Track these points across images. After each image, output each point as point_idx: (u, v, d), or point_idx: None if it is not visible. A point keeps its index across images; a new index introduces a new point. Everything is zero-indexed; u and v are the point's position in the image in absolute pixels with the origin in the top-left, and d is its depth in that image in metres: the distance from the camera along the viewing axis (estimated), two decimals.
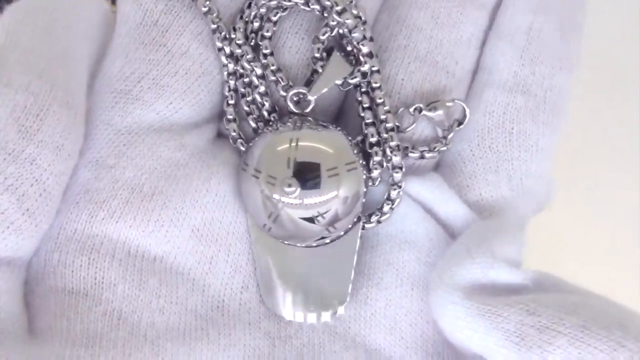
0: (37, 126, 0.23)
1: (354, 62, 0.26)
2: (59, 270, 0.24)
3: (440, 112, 0.26)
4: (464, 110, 0.27)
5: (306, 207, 0.25)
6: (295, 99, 0.26)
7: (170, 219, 0.25)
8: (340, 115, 0.28)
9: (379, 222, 0.27)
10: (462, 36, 0.27)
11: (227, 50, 0.26)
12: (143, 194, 0.25)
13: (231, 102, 0.27)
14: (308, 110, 0.26)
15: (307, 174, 0.25)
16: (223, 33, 0.26)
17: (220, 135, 0.28)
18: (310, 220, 0.25)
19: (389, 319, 0.27)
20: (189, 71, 0.26)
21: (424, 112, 0.26)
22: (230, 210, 0.26)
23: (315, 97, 0.26)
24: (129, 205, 0.25)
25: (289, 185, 0.24)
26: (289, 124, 0.26)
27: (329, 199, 0.25)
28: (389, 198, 0.26)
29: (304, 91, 0.26)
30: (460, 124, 0.27)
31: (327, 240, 0.26)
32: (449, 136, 0.27)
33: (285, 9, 0.27)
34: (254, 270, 0.26)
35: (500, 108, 0.27)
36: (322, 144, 0.25)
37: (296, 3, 0.26)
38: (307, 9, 0.26)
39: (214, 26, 0.26)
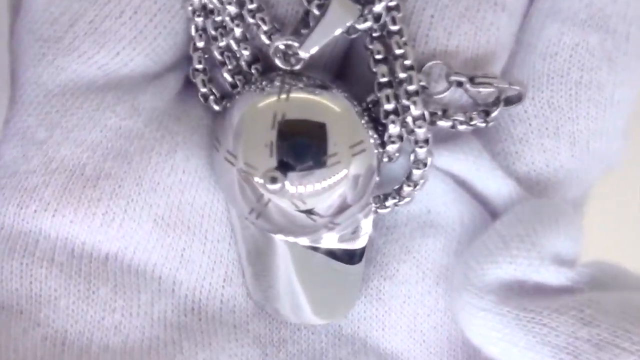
0: None
1: None
2: None
3: (487, 90, 0.19)
4: (521, 94, 0.20)
5: (299, 200, 0.19)
6: (281, 50, 0.19)
7: (123, 209, 0.20)
8: (345, 65, 0.21)
9: (396, 205, 0.21)
10: None
11: None
12: (85, 178, 0.20)
13: (199, 44, 0.20)
14: (299, 67, 0.19)
15: (298, 163, 0.18)
16: None
17: (189, 85, 0.22)
18: (306, 214, 0.19)
19: (407, 319, 0.22)
20: (139, 9, 0.19)
21: (466, 86, 0.19)
22: (205, 188, 0.21)
23: (309, 54, 0.19)
24: (67, 193, 0.19)
25: (273, 180, 0.18)
26: (276, 83, 0.19)
27: (329, 189, 0.19)
28: (410, 178, 0.20)
29: (295, 44, 0.19)
30: (509, 103, 0.20)
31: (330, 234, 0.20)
32: (493, 114, 0.20)
33: None
34: (237, 258, 0.21)
35: (567, 50, 0.21)
36: (318, 119, 0.18)
37: None
38: None
39: None
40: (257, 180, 0.19)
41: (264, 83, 0.19)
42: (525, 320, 0.18)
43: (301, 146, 0.18)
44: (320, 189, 0.19)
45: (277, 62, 0.19)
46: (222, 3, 0.19)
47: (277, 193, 0.18)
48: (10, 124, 0.20)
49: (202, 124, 0.21)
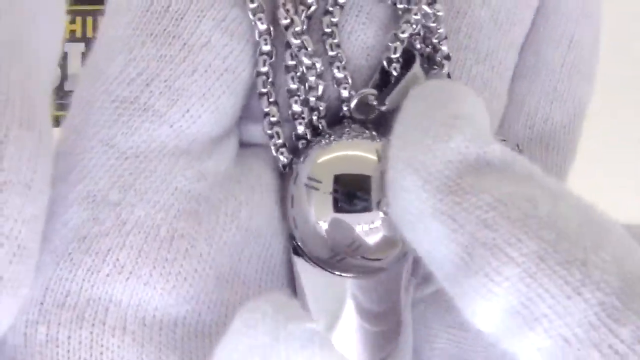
0: None
1: (426, 64, 0.22)
2: (49, 350, 0.18)
3: None
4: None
5: (392, 230, 0.20)
6: (362, 102, 0.22)
7: (194, 268, 0.20)
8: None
9: None
10: (513, 40, 0.24)
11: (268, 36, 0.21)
12: (160, 239, 0.19)
13: (272, 99, 0.22)
14: (372, 117, 0.22)
15: None
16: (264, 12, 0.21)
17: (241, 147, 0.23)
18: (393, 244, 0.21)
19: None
20: (209, 68, 0.20)
21: None
22: (261, 244, 0.21)
23: (386, 106, 0.21)
24: (143, 254, 0.19)
25: (386, 204, 0.20)
26: (347, 131, 0.21)
27: None
28: None
29: (374, 93, 0.21)
30: None
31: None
32: None
33: None
34: None
35: (539, 124, 0.25)
36: None
37: None
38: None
39: (254, 5, 0.21)
40: (361, 216, 0.20)
41: (336, 134, 0.21)
42: (439, 212, 0.18)
43: None
44: None
45: (356, 112, 0.21)
46: (310, 60, 0.21)
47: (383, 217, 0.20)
48: (78, 187, 0.19)
49: (261, 182, 0.22)
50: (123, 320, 0.19)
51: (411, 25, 0.21)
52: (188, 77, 0.20)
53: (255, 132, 0.22)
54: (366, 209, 0.20)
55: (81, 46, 0.51)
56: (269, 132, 0.22)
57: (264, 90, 0.21)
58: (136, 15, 0.20)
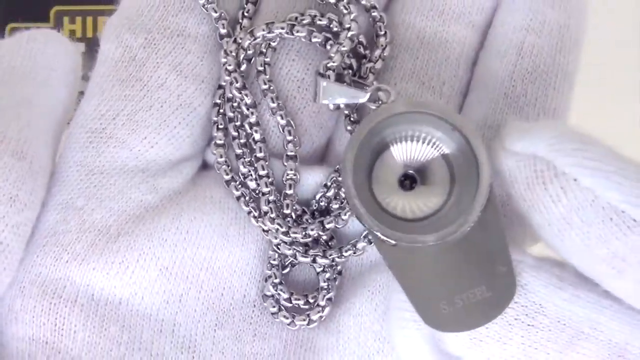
0: None
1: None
2: (21, 317, 0.24)
3: None
4: None
5: None
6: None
7: (136, 259, 0.24)
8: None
9: (351, 255, 0.26)
10: (449, 56, 0.27)
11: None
12: (109, 236, 0.24)
13: (221, 126, 0.26)
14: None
15: None
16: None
17: (206, 167, 0.27)
18: None
19: (362, 347, 0.26)
20: (164, 104, 0.25)
21: None
22: (205, 247, 0.26)
23: None
24: (93, 247, 0.24)
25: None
26: None
27: None
28: (366, 236, 0.25)
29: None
30: None
31: None
32: None
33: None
34: (229, 307, 0.26)
35: (491, 129, 0.26)
36: None
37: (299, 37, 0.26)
38: (309, 42, 0.26)
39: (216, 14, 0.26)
40: None
41: None
42: (600, 205, 0.20)
43: None
44: None
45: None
46: (240, 94, 0.25)
47: None
48: (57, 197, 0.25)
49: (205, 194, 0.26)
50: (75, 294, 0.24)
51: (340, 54, 0.25)
52: (146, 111, 0.25)
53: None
54: None
55: (81, 46, 0.52)
56: (214, 152, 0.26)
57: (215, 118, 0.26)
58: (110, 65, 0.25)
